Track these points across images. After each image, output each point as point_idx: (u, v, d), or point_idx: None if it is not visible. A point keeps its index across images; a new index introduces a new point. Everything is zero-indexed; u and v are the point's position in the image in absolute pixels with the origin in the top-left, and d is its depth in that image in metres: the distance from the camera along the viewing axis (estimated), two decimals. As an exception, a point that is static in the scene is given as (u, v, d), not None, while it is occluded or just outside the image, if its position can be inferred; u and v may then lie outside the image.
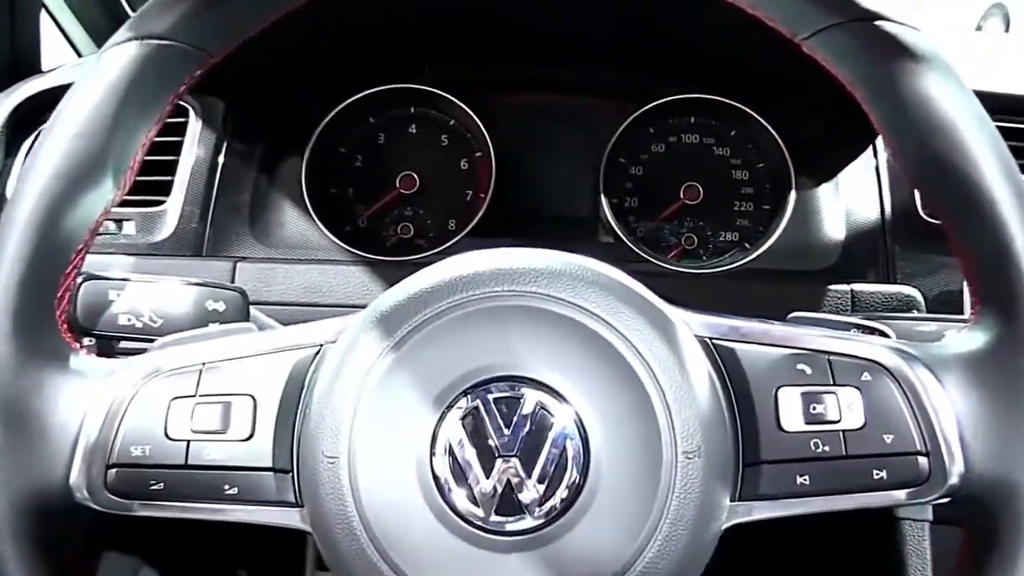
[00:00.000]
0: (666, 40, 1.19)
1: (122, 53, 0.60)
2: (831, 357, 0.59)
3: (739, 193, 1.27)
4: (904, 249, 1.14)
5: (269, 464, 0.59)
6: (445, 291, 0.58)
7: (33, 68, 1.49)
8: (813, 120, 1.22)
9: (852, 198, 1.19)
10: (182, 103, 1.19)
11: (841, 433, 0.58)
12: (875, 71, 0.58)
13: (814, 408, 0.58)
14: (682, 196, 1.26)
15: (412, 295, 0.59)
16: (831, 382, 0.59)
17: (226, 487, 0.59)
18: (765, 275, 1.18)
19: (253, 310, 0.89)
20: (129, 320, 0.81)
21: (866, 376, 0.59)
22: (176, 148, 1.20)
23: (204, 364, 0.61)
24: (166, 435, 0.59)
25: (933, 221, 1.11)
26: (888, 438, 0.57)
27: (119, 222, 1.19)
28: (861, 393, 0.58)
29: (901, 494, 0.57)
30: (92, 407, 0.59)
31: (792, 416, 0.58)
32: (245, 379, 0.60)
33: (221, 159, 1.22)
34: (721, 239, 1.27)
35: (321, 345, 0.61)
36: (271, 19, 0.64)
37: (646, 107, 1.21)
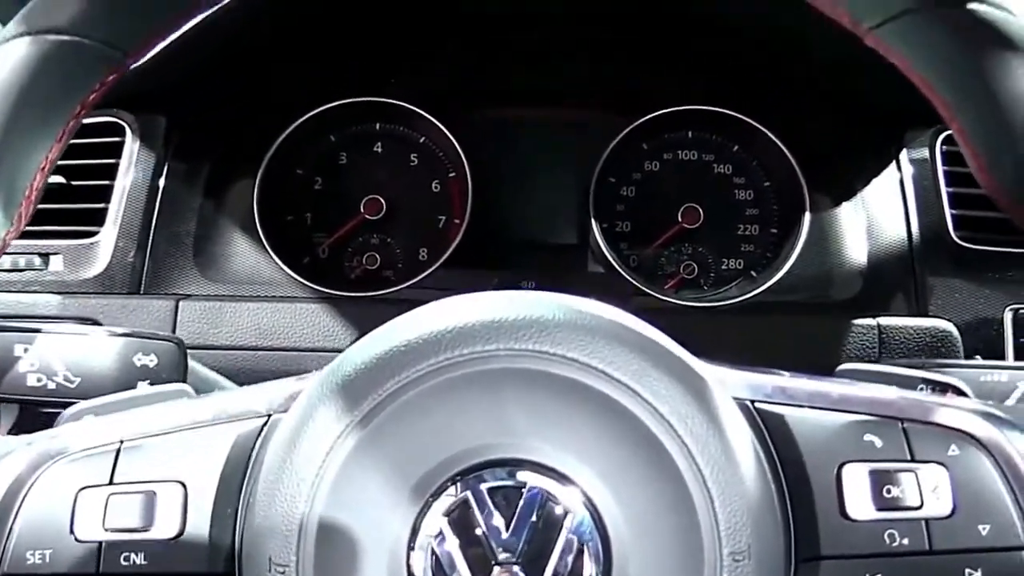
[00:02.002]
0: (658, 34, 1.15)
1: (12, 52, 0.52)
2: (906, 425, 0.52)
3: (743, 215, 1.21)
4: (935, 277, 1.08)
5: (204, 568, 0.52)
6: (424, 350, 0.50)
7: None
8: (828, 130, 1.17)
9: (875, 219, 1.14)
10: (117, 120, 1.11)
11: (924, 522, 0.50)
12: (964, 66, 0.50)
13: (888, 491, 0.51)
14: (680, 220, 1.20)
15: (381, 355, 0.50)
16: (908, 457, 0.51)
17: None
18: (777, 308, 1.12)
19: (194, 363, 0.81)
20: (40, 380, 0.72)
21: (953, 449, 0.51)
22: (110, 171, 1.12)
23: (122, 442, 0.54)
24: (73, 535, 0.51)
25: (968, 245, 1.06)
26: (983, 529, 0.50)
27: (45, 256, 1.10)
28: (948, 471, 0.51)
29: None
30: None
31: (860, 501, 0.51)
32: (173, 461, 0.53)
33: (162, 182, 1.14)
34: (724, 267, 1.22)
35: (269, 416, 0.54)
36: (204, 10, 0.56)
37: (638, 121, 1.15)
